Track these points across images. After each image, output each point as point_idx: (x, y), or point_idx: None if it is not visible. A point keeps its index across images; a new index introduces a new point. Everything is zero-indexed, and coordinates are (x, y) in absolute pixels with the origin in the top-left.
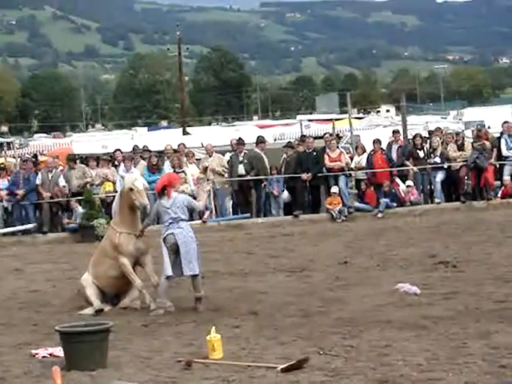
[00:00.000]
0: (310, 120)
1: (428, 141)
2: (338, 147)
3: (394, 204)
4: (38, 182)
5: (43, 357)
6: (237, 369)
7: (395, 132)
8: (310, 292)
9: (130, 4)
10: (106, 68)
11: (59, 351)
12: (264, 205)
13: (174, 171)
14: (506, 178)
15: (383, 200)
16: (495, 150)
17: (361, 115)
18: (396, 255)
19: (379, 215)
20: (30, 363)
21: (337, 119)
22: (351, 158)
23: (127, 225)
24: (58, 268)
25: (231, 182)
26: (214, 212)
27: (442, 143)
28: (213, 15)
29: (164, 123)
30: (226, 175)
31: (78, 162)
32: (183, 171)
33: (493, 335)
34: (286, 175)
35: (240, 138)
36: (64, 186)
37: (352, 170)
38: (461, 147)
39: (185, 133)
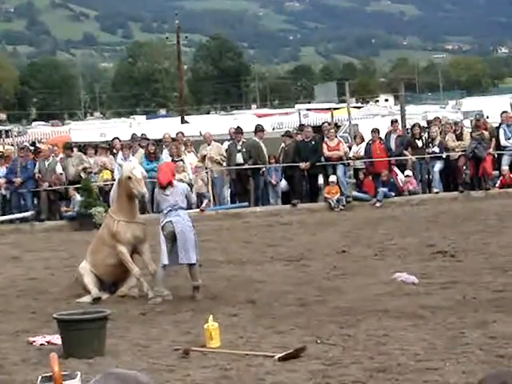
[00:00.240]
0: (308, 109)
1: (426, 130)
2: (336, 136)
3: (392, 193)
4: (35, 170)
5: (41, 344)
6: (234, 357)
7: (394, 121)
8: (308, 281)
9: None
10: (105, 56)
11: (57, 339)
12: (262, 194)
13: (173, 160)
14: (505, 167)
15: (381, 189)
16: (494, 139)
17: (359, 104)
18: (394, 244)
19: (377, 204)
20: (27, 351)
21: (335, 108)
22: (349, 148)
23: (125, 213)
24: (56, 256)
25: (229, 170)
26: (211, 201)
27: (440, 133)
28: (211, 4)
29: (162, 112)
30: (224, 164)
31: (74, 149)
32: (181, 160)
33: (490, 325)
34: (284, 164)
35: (238, 127)
36: (61, 174)
37: (350, 159)
38: (459, 137)
39: (183, 121)
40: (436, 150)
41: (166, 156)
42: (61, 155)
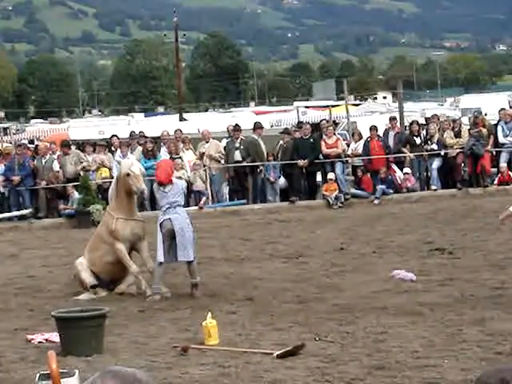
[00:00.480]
0: (306, 107)
1: (425, 128)
2: (334, 134)
3: (391, 191)
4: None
5: (39, 342)
6: (233, 355)
7: (392, 119)
8: (307, 278)
9: None
10: (103, 54)
11: (55, 336)
12: (260, 191)
13: (171, 157)
14: (503, 165)
15: (380, 187)
16: (492, 137)
17: (358, 102)
18: (392, 242)
19: (375, 202)
20: (25, 348)
21: (333, 106)
22: (348, 145)
23: (124, 210)
24: (55, 253)
25: (227, 168)
26: (210, 198)
27: (438, 130)
28: (209, 1)
29: (161, 109)
30: (223, 161)
31: (72, 147)
32: (180, 157)
33: (488, 322)
34: (283, 162)
35: (237, 125)
36: (58, 171)
37: (349, 156)
38: (457, 134)
39: (181, 119)
40: (434, 147)
41: (164, 154)
42: (58, 153)
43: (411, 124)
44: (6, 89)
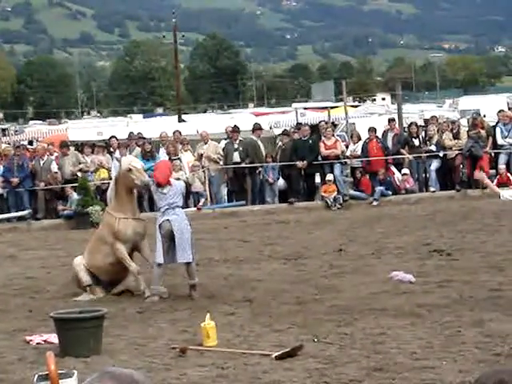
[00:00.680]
0: (305, 108)
1: (423, 129)
2: (333, 135)
3: (389, 192)
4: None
5: (38, 343)
6: (231, 356)
7: (391, 120)
8: (305, 280)
9: None
10: (102, 55)
11: (54, 338)
12: (259, 192)
13: (170, 158)
14: (501, 166)
15: (378, 188)
16: (490, 138)
17: (356, 103)
18: (391, 243)
19: (374, 203)
20: (24, 349)
21: (332, 107)
22: (346, 146)
23: (125, 210)
24: (53, 254)
25: (226, 169)
26: (208, 199)
27: (437, 131)
28: (208, 2)
29: (159, 110)
30: (221, 162)
31: (71, 148)
32: (179, 158)
33: (487, 323)
34: (282, 163)
35: (235, 126)
36: (56, 172)
37: (347, 157)
38: (456, 136)
39: (180, 120)
40: (433, 148)
41: (163, 155)
42: (55, 154)
43: (410, 125)
44: (5, 90)
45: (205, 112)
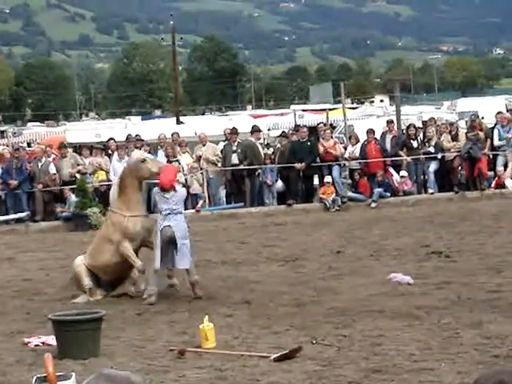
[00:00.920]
0: (303, 110)
1: (422, 131)
2: (331, 137)
3: (388, 194)
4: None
5: (36, 345)
6: (229, 358)
7: (389, 122)
8: (303, 281)
9: None
10: (100, 57)
11: (52, 340)
12: (257, 194)
13: (168, 161)
14: (500, 168)
15: (377, 190)
16: (489, 140)
17: (355, 105)
18: (389, 245)
19: (372, 205)
20: (22, 351)
21: (330, 109)
22: (345, 148)
23: (133, 207)
24: (51, 256)
25: (225, 171)
26: (207, 201)
27: (436, 133)
28: (206, 5)
29: (158, 112)
30: (220, 164)
31: (69, 150)
32: (177, 160)
33: (485, 325)
34: (280, 165)
35: (233, 128)
36: (55, 174)
37: (346, 159)
38: (454, 137)
39: (178, 122)
40: (431, 150)
41: (161, 157)
42: (53, 156)
43: (408, 127)
44: (3, 92)
45: (203, 114)
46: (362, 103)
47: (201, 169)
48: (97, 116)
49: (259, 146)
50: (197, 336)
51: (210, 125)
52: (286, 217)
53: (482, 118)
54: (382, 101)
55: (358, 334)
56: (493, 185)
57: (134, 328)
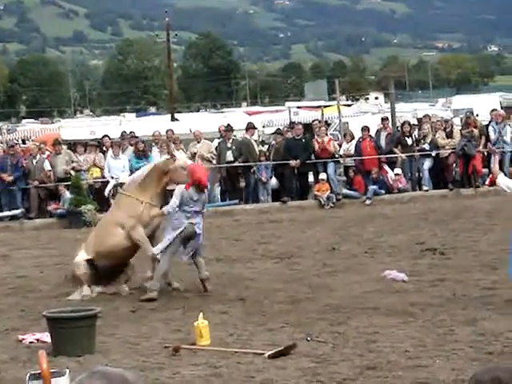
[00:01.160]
0: (298, 107)
1: (416, 128)
2: (326, 134)
3: (382, 191)
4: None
5: (30, 342)
6: (224, 355)
7: (384, 119)
8: (298, 278)
9: None
10: (95, 53)
11: (46, 337)
12: (252, 191)
13: None
14: (494, 166)
15: (371, 187)
16: (483, 137)
17: (349, 102)
18: (384, 242)
19: (367, 202)
20: (16, 349)
21: (325, 106)
22: (340, 145)
23: (152, 197)
24: (46, 254)
25: (219, 168)
26: None
27: (430, 130)
28: (202, 2)
29: (152, 109)
30: (214, 162)
31: (64, 147)
32: (173, 157)
33: (480, 322)
34: (275, 162)
35: (228, 125)
36: (50, 171)
37: (341, 156)
38: (449, 135)
39: (173, 119)
40: (426, 147)
41: (156, 154)
42: (47, 152)
43: (403, 124)
44: None
45: (198, 111)
46: (357, 100)
47: None
48: (91, 113)
49: (254, 143)
50: (191, 333)
51: (204, 122)
52: (280, 214)
53: (477, 115)
54: (376, 98)
55: (353, 331)
56: (487, 182)
57: (129, 325)
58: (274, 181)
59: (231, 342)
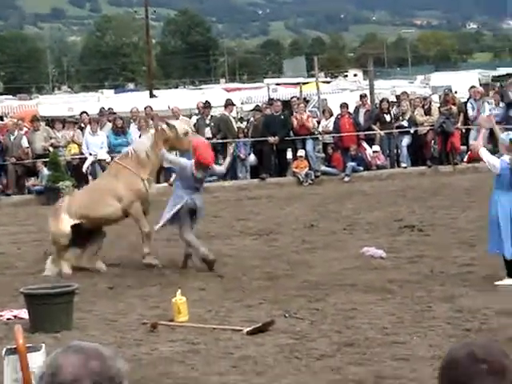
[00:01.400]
0: (277, 84)
1: (395, 105)
2: (305, 111)
3: (361, 168)
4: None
5: (8, 319)
6: (202, 331)
7: (362, 96)
8: (277, 255)
9: None
10: (73, 30)
11: (24, 313)
12: (231, 168)
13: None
14: (473, 142)
15: (350, 164)
16: (462, 114)
17: (328, 79)
18: (362, 219)
19: (346, 179)
20: None
21: (304, 83)
22: (318, 122)
23: (151, 173)
24: (23, 230)
25: None
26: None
27: (409, 107)
28: None
29: (131, 86)
30: None
31: (42, 123)
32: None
33: (457, 299)
34: (253, 139)
35: (207, 101)
36: (27, 148)
37: (319, 133)
38: (428, 112)
39: (152, 95)
40: (404, 124)
41: (134, 130)
42: (25, 129)
43: (381, 101)
44: None
45: (176, 87)
46: (336, 77)
47: None
48: (69, 89)
49: (232, 120)
50: (169, 310)
51: (183, 98)
52: (259, 191)
53: (455, 92)
54: (355, 75)
55: (331, 308)
56: (465, 159)
57: (107, 301)
58: (252, 157)
59: (209, 319)
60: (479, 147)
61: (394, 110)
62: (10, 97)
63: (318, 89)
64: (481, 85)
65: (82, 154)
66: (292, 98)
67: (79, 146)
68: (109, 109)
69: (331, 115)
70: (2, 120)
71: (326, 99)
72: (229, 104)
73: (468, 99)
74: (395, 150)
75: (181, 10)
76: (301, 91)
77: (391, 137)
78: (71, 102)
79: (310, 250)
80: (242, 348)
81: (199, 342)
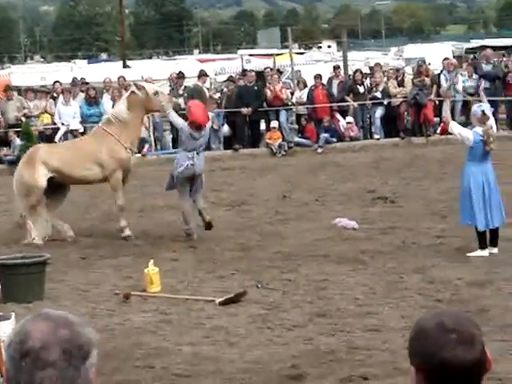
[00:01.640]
0: (250, 55)
1: (368, 76)
2: (278, 82)
3: (334, 139)
4: None
5: None
6: (175, 302)
7: (336, 67)
8: (250, 226)
9: None
10: None
11: None
12: None
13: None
14: (445, 114)
15: (323, 135)
16: (435, 86)
17: (302, 50)
18: (335, 190)
19: (319, 150)
20: None
21: (278, 54)
22: (292, 93)
23: (132, 141)
24: None
25: None
26: (153, 145)
27: (382, 79)
28: None
29: (104, 56)
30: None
31: (14, 93)
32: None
33: (429, 270)
34: (227, 110)
35: (180, 72)
36: (0, 117)
37: (293, 104)
38: (401, 83)
39: (125, 66)
40: (378, 95)
41: (106, 101)
42: None
43: (355, 73)
44: None
45: (150, 58)
46: (310, 48)
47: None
48: (42, 59)
49: (206, 91)
50: (142, 280)
51: (156, 69)
52: (232, 162)
53: (429, 64)
54: (329, 46)
55: (303, 279)
56: (438, 131)
57: (79, 272)
58: (225, 128)
59: (182, 289)
60: (449, 120)
61: (367, 82)
62: None
63: (291, 60)
64: (454, 57)
65: (54, 124)
66: (266, 68)
67: (52, 116)
68: (81, 79)
69: (305, 86)
70: None
71: (299, 70)
72: (202, 75)
73: (441, 71)
74: (368, 122)
75: None
76: (274, 62)
77: (364, 108)
78: (44, 71)
79: (282, 221)
80: (215, 318)
81: (171, 312)
